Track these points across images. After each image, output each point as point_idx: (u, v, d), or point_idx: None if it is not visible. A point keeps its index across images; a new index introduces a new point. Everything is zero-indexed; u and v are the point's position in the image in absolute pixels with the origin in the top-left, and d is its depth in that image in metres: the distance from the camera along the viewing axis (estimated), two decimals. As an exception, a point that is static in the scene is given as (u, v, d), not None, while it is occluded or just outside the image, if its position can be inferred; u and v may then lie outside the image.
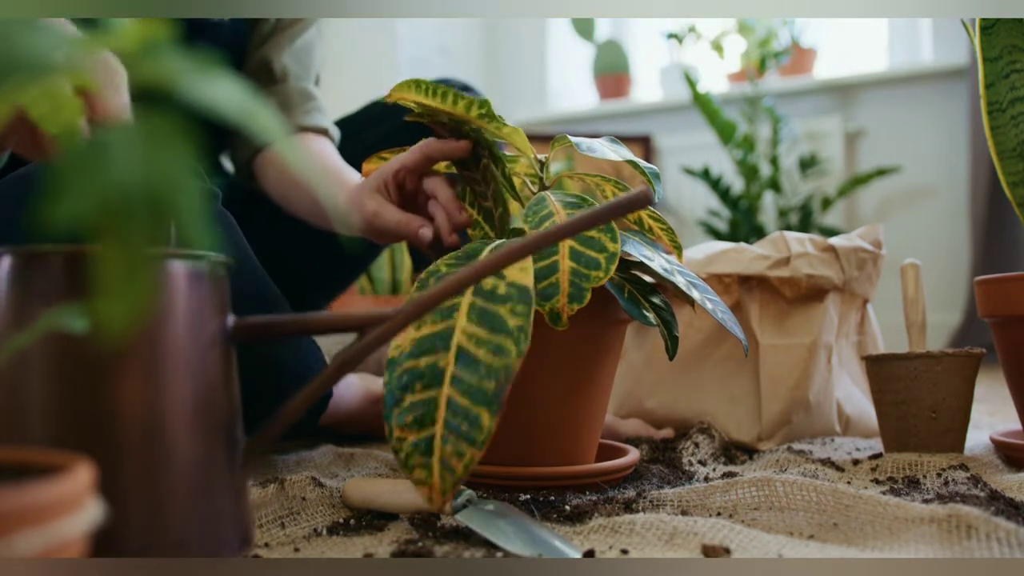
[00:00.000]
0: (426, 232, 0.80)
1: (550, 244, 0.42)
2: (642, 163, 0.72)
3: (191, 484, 0.41)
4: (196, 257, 0.43)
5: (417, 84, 0.72)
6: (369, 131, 1.18)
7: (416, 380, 0.58)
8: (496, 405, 0.56)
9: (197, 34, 1.02)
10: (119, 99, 0.66)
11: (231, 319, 0.46)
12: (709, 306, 0.71)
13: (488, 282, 0.63)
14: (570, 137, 0.73)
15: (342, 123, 1.21)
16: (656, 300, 0.73)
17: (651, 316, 0.71)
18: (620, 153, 0.73)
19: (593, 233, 0.65)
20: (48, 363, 0.39)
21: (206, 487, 0.42)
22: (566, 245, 0.65)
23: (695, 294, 0.71)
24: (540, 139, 2.81)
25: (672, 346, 0.72)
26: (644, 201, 0.41)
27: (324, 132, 1.10)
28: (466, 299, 0.63)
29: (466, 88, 1.16)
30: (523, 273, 0.63)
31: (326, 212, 0.99)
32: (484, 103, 0.72)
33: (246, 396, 0.50)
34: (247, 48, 1.10)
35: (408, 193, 0.83)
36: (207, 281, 0.44)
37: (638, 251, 0.70)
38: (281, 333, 0.47)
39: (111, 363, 0.39)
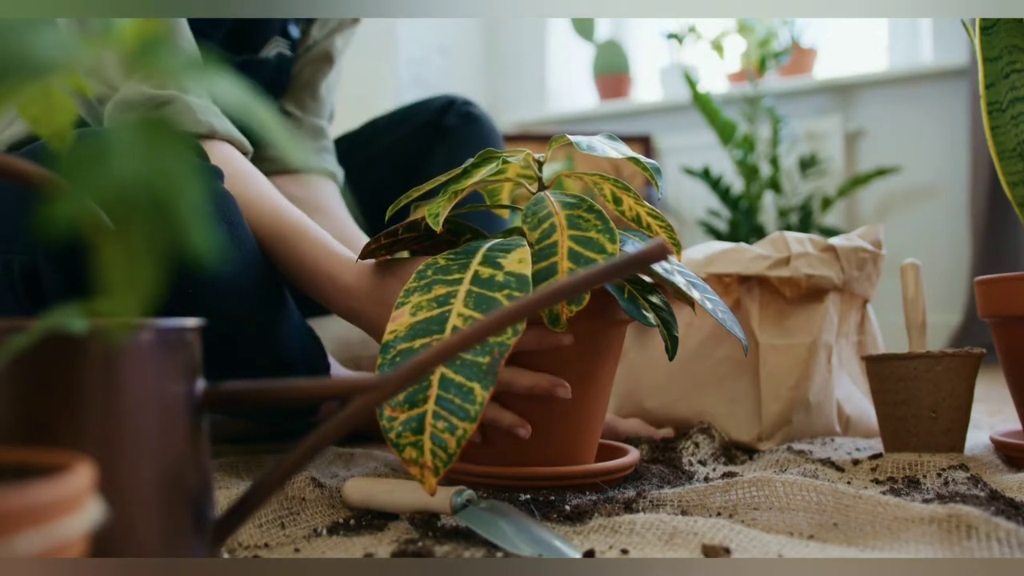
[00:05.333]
0: None
1: (553, 302, 0.41)
2: (643, 159, 0.72)
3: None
4: (164, 326, 0.39)
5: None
6: (374, 143, 1.20)
7: (408, 359, 0.59)
8: (490, 379, 0.57)
9: (242, 70, 1.02)
10: None
11: (201, 385, 0.42)
12: (709, 306, 0.71)
13: (485, 271, 0.64)
14: (569, 136, 0.72)
15: (347, 137, 1.22)
16: (655, 300, 0.73)
17: (651, 316, 0.71)
18: (620, 150, 0.73)
19: (592, 234, 0.65)
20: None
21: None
22: (565, 246, 0.65)
23: (695, 294, 0.70)
24: (540, 139, 2.81)
25: (672, 346, 0.72)
26: (662, 253, 0.40)
27: (332, 176, 1.10)
28: (463, 287, 0.63)
29: (468, 103, 1.19)
30: (522, 264, 0.64)
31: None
32: None
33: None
34: (286, 85, 1.11)
35: None
36: (174, 349, 0.39)
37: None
38: (257, 401, 0.43)
39: (64, 438, 0.35)
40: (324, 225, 1.00)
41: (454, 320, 0.61)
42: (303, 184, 1.07)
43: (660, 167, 0.74)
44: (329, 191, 1.09)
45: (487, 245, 0.68)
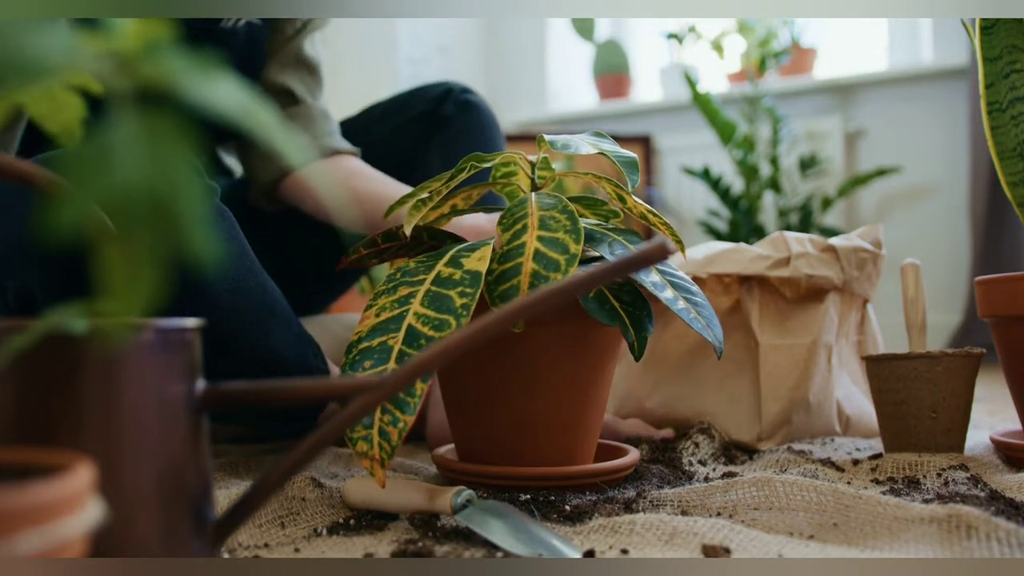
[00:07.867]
0: None
1: (553, 302, 0.41)
2: (616, 152, 0.71)
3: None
4: (164, 326, 0.38)
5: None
6: (371, 131, 1.18)
7: (367, 358, 0.62)
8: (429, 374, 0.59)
9: (206, 40, 0.99)
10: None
11: (201, 385, 0.41)
12: (680, 305, 0.69)
13: (447, 271, 0.66)
14: (546, 136, 0.72)
15: (343, 124, 1.21)
16: (626, 298, 0.71)
17: (622, 315, 0.69)
18: (597, 146, 0.72)
19: (559, 235, 0.65)
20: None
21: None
22: (532, 247, 0.64)
23: (666, 294, 0.69)
24: (540, 139, 2.81)
25: (638, 346, 0.69)
26: (663, 253, 0.40)
27: (355, 154, 1.09)
28: (424, 287, 0.65)
29: (466, 91, 1.17)
30: (480, 262, 0.65)
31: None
32: None
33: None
34: (262, 59, 1.07)
35: None
36: (174, 349, 0.39)
37: (610, 253, 0.69)
38: (257, 401, 0.43)
39: (64, 438, 0.35)
40: (372, 185, 1.01)
41: (410, 319, 0.63)
42: (329, 165, 1.06)
43: (636, 159, 0.72)
44: (358, 162, 1.07)
45: (457, 247, 0.68)
